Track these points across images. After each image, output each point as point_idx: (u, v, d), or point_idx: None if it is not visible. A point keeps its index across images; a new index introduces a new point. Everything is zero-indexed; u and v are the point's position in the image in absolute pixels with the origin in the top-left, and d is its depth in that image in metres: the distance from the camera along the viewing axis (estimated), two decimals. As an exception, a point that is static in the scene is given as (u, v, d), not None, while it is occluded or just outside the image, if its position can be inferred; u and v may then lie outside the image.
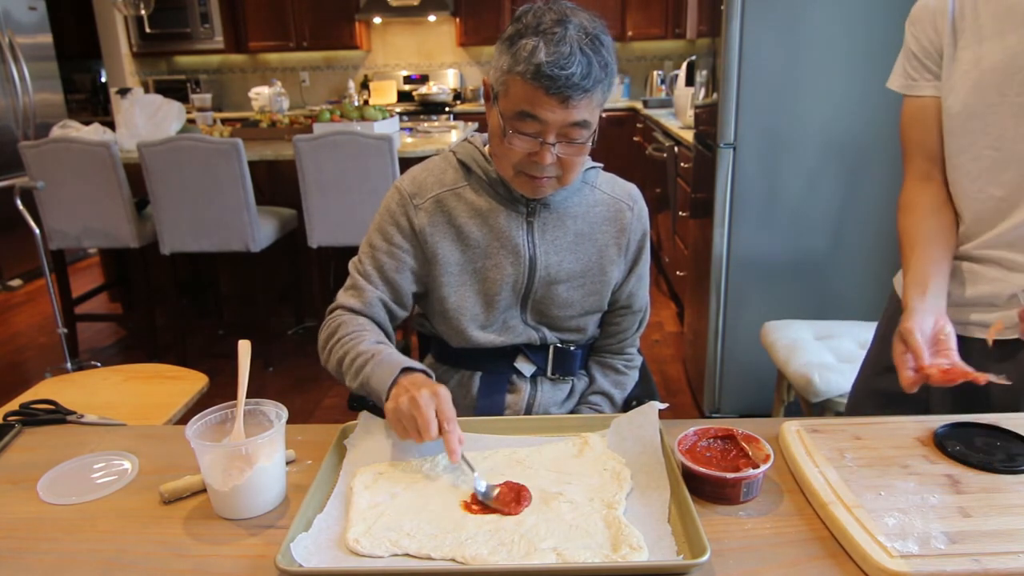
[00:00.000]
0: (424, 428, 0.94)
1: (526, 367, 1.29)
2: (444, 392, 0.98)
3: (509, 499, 0.91)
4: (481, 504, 0.90)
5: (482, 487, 0.92)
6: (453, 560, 0.81)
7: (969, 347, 1.12)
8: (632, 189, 1.30)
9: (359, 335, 1.15)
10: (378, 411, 1.07)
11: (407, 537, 0.84)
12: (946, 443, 0.99)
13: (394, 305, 1.24)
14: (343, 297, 1.23)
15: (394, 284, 1.22)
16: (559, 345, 1.29)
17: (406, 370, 1.05)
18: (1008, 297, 1.14)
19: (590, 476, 0.96)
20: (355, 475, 0.96)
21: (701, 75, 2.84)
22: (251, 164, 3.10)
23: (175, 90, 5.91)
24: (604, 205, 1.26)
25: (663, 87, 5.76)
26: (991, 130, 1.10)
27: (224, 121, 4.66)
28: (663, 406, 1.06)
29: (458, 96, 6.32)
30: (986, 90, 1.10)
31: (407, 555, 0.82)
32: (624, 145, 5.58)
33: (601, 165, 1.30)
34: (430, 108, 5.98)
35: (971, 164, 1.14)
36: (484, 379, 1.29)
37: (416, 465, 1.00)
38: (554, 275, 1.23)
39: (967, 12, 1.12)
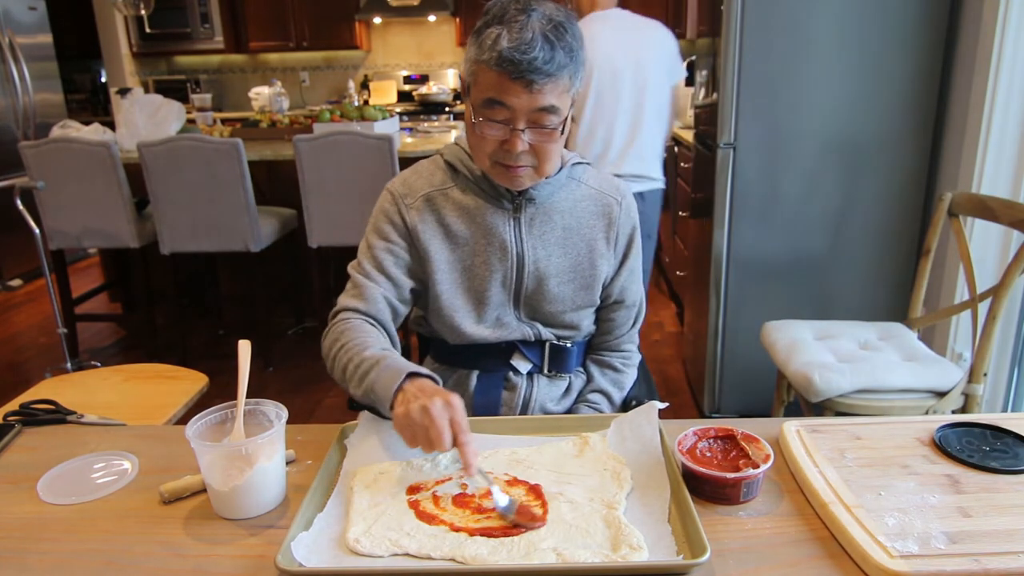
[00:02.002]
0: (437, 440, 0.91)
1: (522, 364, 1.29)
2: (457, 401, 0.94)
3: (529, 514, 0.87)
4: (506, 521, 0.86)
5: (503, 502, 0.88)
6: (453, 560, 0.81)
7: None
8: (620, 183, 1.30)
9: (363, 341, 1.12)
10: (378, 413, 1.07)
11: (407, 537, 0.84)
12: (946, 443, 0.99)
13: (396, 301, 1.23)
14: (345, 299, 1.22)
15: (395, 279, 1.23)
16: (555, 342, 1.29)
17: (412, 375, 1.01)
18: None
19: (590, 476, 0.96)
20: (355, 475, 0.96)
21: (701, 75, 2.84)
22: (251, 164, 3.10)
23: (175, 90, 5.90)
24: (591, 200, 1.26)
25: (663, 87, 5.74)
26: None
27: (224, 121, 4.65)
28: (663, 405, 1.06)
29: (458, 96, 6.31)
30: None
31: (407, 555, 0.82)
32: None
33: (589, 162, 1.31)
34: (430, 108, 5.98)
35: None
36: (480, 377, 1.29)
37: (417, 464, 1.00)
38: (543, 270, 1.23)
39: None
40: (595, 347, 1.36)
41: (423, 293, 1.27)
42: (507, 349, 1.28)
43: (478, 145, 1.14)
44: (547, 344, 1.29)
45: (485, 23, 1.08)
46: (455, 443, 0.92)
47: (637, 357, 1.39)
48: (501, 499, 0.89)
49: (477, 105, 1.10)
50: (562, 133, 1.13)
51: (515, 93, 1.06)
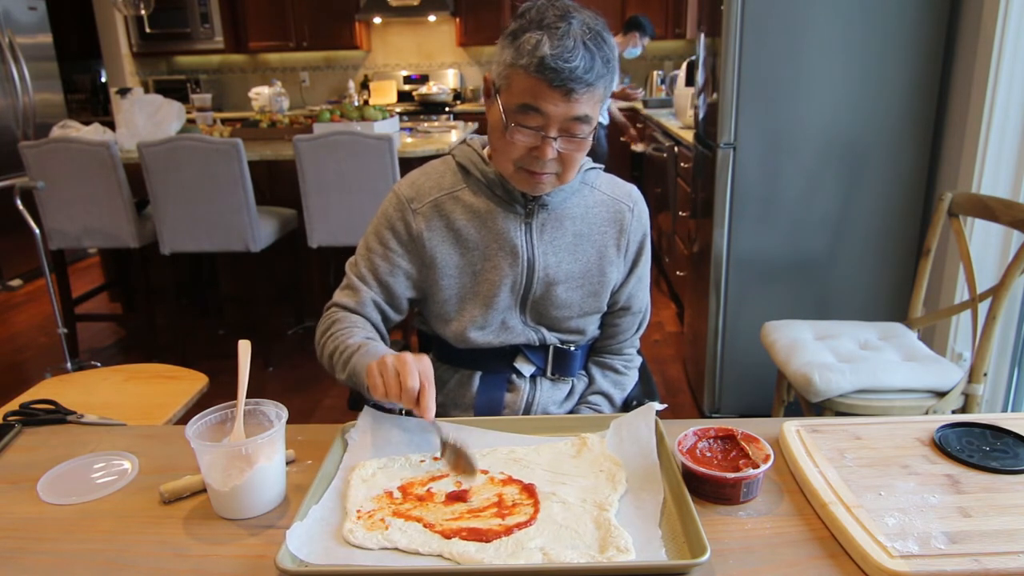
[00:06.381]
0: (407, 380, 0.96)
1: (525, 367, 1.29)
2: (427, 360, 1.00)
3: (467, 467, 0.96)
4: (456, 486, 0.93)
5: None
6: (440, 556, 0.81)
7: None
8: (632, 190, 1.30)
9: (350, 330, 1.18)
10: (375, 405, 1.08)
11: (398, 532, 0.85)
12: (946, 443, 0.99)
13: (387, 307, 1.25)
14: (339, 296, 1.25)
15: (388, 287, 1.24)
16: (559, 346, 1.29)
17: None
18: None
19: (585, 477, 0.96)
20: (354, 469, 0.97)
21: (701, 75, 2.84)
22: (251, 164, 3.10)
23: (175, 90, 5.90)
24: (604, 206, 1.26)
25: (663, 87, 5.76)
26: None
27: (224, 121, 4.66)
28: (662, 407, 1.06)
29: (458, 96, 6.31)
30: None
31: (396, 549, 0.83)
32: (624, 145, 5.58)
33: (602, 166, 1.30)
34: (430, 108, 5.98)
35: None
36: (483, 378, 1.29)
37: (415, 460, 1.00)
38: (552, 276, 1.23)
39: None
40: (598, 350, 1.36)
41: (425, 299, 1.27)
42: (511, 352, 1.28)
43: (504, 150, 1.13)
44: (551, 348, 1.29)
45: (522, 27, 1.06)
46: (419, 392, 0.96)
47: (638, 360, 1.39)
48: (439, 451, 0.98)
49: (509, 110, 1.09)
50: (592, 142, 1.13)
51: (552, 100, 1.05)
